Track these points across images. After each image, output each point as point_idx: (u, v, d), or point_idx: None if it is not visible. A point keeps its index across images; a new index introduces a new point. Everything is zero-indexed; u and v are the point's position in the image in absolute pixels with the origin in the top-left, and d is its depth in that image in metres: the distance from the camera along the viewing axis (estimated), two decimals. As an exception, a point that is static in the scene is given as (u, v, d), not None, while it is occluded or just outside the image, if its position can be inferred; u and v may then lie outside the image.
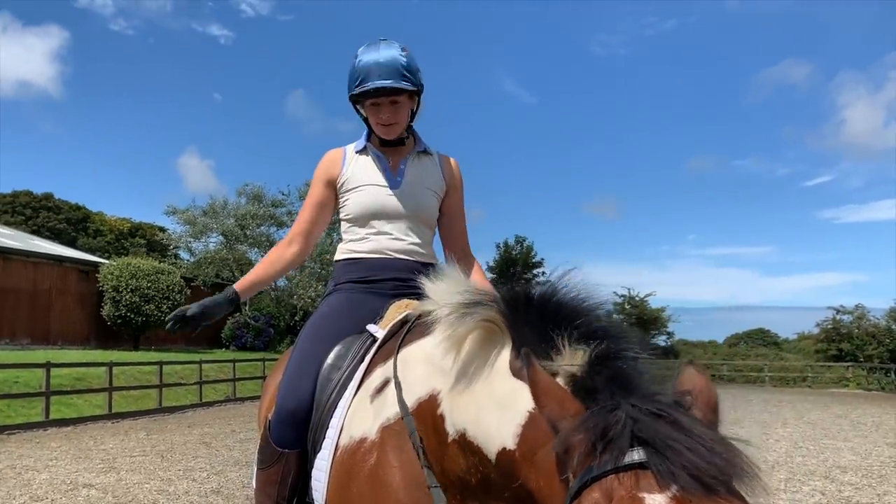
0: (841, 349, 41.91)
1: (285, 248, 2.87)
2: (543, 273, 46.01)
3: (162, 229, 45.17)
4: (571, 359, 1.61)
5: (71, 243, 46.46)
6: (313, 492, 2.29)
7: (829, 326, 43.52)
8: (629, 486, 1.19)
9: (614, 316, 1.80)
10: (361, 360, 2.38)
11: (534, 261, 45.28)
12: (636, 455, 1.22)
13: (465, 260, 2.84)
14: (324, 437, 2.27)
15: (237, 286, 2.79)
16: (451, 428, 1.83)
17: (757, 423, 17.15)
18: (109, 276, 29.15)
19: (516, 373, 1.66)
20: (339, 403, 2.30)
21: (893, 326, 40.76)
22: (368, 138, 2.85)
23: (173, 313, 2.71)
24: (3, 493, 8.23)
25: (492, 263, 45.18)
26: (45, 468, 10.02)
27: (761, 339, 54.90)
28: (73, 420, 15.79)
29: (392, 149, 2.82)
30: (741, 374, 40.02)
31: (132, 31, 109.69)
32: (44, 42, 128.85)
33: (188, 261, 38.02)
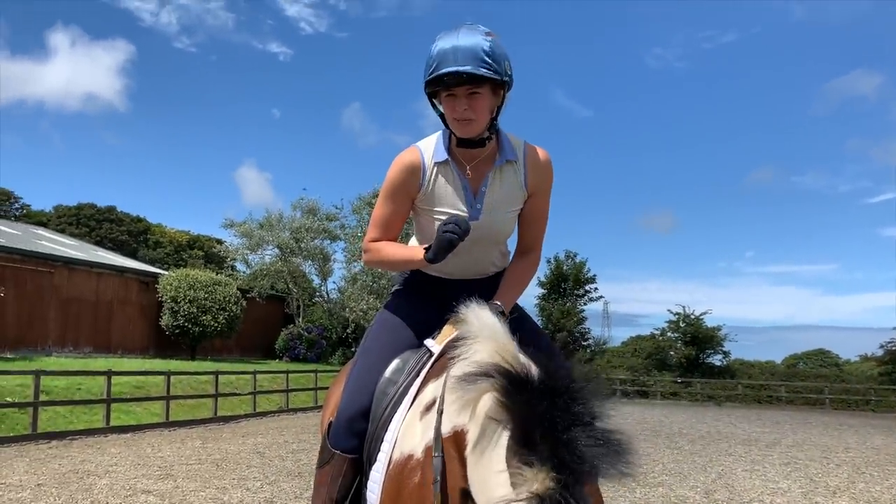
0: (906, 372, 40.41)
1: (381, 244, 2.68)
2: (596, 289, 45.44)
3: (219, 241, 46.12)
4: (534, 479, 1.63)
5: (132, 254, 47.80)
6: (368, 503, 2.33)
7: (893, 348, 42.02)
8: None
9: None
10: (417, 376, 2.42)
11: (586, 276, 44.85)
12: None
13: (522, 258, 2.75)
14: (378, 451, 2.32)
15: (421, 252, 2.43)
16: (469, 476, 1.86)
17: (817, 447, 16.65)
18: (168, 287, 29.91)
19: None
20: (394, 418, 2.34)
21: (963, 349, 39.15)
22: (447, 140, 2.57)
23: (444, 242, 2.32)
24: (66, 497, 8.48)
25: (543, 279, 44.86)
26: (105, 473, 10.28)
27: (821, 359, 53.30)
28: (132, 427, 16.19)
29: (471, 153, 2.53)
30: (800, 396, 38.88)
31: (195, 49, 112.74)
32: (110, 56, 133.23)
33: (244, 273, 38.71)
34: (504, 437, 1.74)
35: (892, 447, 17.92)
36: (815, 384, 40.02)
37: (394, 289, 2.97)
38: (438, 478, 1.95)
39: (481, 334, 2.00)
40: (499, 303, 2.49)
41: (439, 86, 2.39)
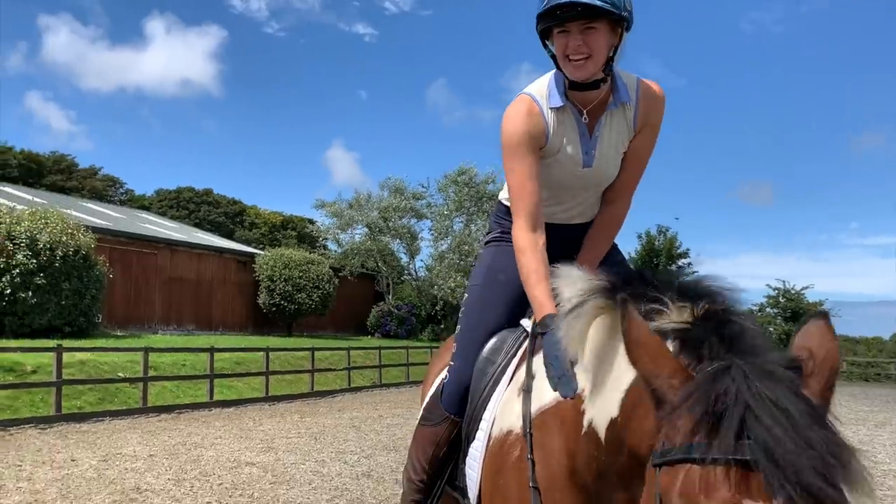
0: None
1: (537, 238, 2.29)
2: (689, 264, 44.27)
3: (311, 221, 47.23)
4: (679, 316, 1.57)
5: (229, 235, 49.47)
6: (466, 479, 2.38)
7: None
8: (732, 488, 1.11)
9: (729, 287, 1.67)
10: (514, 356, 2.44)
11: (678, 251, 43.75)
12: (745, 453, 1.11)
13: (608, 209, 2.61)
14: (477, 429, 2.36)
15: (551, 310, 2.08)
16: (586, 421, 1.83)
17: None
18: (264, 267, 30.87)
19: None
20: (493, 397, 2.37)
21: None
22: (562, 84, 2.33)
23: None
24: (177, 468, 8.95)
25: (633, 254, 44.02)
26: (211, 446, 10.79)
27: None
28: (234, 402, 16.89)
29: (586, 97, 2.32)
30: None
31: (283, 33, 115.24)
32: (204, 41, 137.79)
33: (336, 251, 39.52)
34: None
35: None
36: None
37: (488, 237, 2.85)
38: (530, 457, 1.98)
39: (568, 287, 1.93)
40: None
41: (552, 20, 2.18)
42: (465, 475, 2.41)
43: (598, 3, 2.09)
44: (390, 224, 38.79)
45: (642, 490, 1.41)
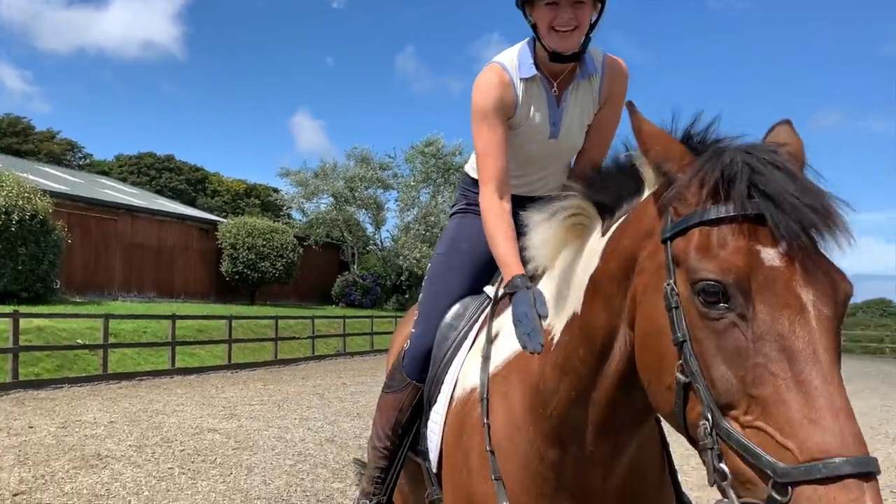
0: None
1: (504, 203, 2.27)
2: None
3: (276, 190, 46.77)
4: None
5: (191, 203, 48.80)
6: (428, 442, 2.39)
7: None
8: (747, 238, 1.25)
9: None
10: (476, 321, 2.45)
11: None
12: (756, 206, 1.25)
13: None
14: (439, 392, 2.37)
15: (518, 270, 2.03)
16: (558, 327, 1.87)
17: (876, 395, 16.37)
18: (227, 234, 30.58)
19: (604, 231, 1.75)
20: (454, 361, 2.38)
21: None
22: (535, 54, 2.34)
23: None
24: (138, 434, 8.88)
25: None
26: (172, 412, 10.72)
27: (882, 309, 52.11)
28: (196, 369, 16.79)
29: (556, 68, 2.33)
30: (859, 345, 38.13)
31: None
32: (167, 2, 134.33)
33: (300, 221, 39.25)
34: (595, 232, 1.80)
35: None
36: (874, 333, 39.17)
37: (454, 209, 2.86)
38: (486, 421, 2.00)
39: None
40: None
41: None
42: (426, 438, 2.42)
43: None
44: (356, 194, 38.59)
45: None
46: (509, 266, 2.06)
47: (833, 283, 1.27)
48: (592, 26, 2.27)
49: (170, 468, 7.25)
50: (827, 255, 1.29)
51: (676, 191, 1.38)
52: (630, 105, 1.50)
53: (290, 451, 8.17)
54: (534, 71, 2.33)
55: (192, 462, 7.52)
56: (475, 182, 2.55)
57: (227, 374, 16.74)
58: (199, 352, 18.41)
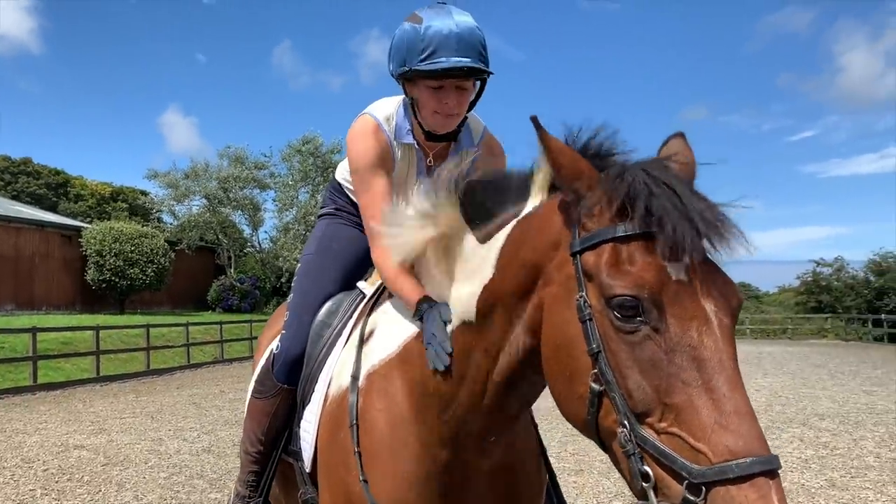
0: (820, 301, 42.49)
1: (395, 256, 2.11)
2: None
3: (144, 193, 44.83)
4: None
5: (52, 209, 45.99)
6: (301, 441, 2.36)
7: (809, 279, 44.05)
8: (654, 254, 1.32)
9: None
10: (351, 316, 2.44)
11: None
12: (657, 223, 1.32)
13: None
14: (313, 391, 2.35)
15: (420, 295, 1.97)
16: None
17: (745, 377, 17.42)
18: (92, 241, 29.04)
19: (482, 238, 1.76)
20: (329, 359, 2.37)
21: (871, 278, 41.30)
22: (411, 123, 2.32)
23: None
24: (-5, 456, 8.31)
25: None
26: (35, 431, 10.10)
27: (743, 292, 55.62)
28: (61, 384, 15.85)
29: (435, 143, 2.34)
30: (722, 328, 40.48)
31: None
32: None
33: (171, 224, 37.81)
34: (468, 238, 1.82)
35: (806, 371, 18.95)
36: (737, 316, 41.62)
37: (322, 211, 2.86)
38: (355, 422, 2.01)
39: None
40: None
41: (431, 77, 2.11)
42: (299, 438, 2.40)
43: (482, 66, 2.12)
44: (231, 195, 37.57)
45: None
46: (411, 295, 2.00)
47: (728, 294, 1.36)
48: (472, 104, 2.28)
49: (31, 490, 6.83)
50: (720, 266, 1.39)
51: (586, 208, 1.43)
52: (535, 120, 1.51)
53: (165, 464, 7.87)
54: (411, 139, 2.32)
55: (57, 482, 7.12)
56: (342, 189, 2.68)
57: (95, 388, 15.90)
58: (65, 365, 17.40)
